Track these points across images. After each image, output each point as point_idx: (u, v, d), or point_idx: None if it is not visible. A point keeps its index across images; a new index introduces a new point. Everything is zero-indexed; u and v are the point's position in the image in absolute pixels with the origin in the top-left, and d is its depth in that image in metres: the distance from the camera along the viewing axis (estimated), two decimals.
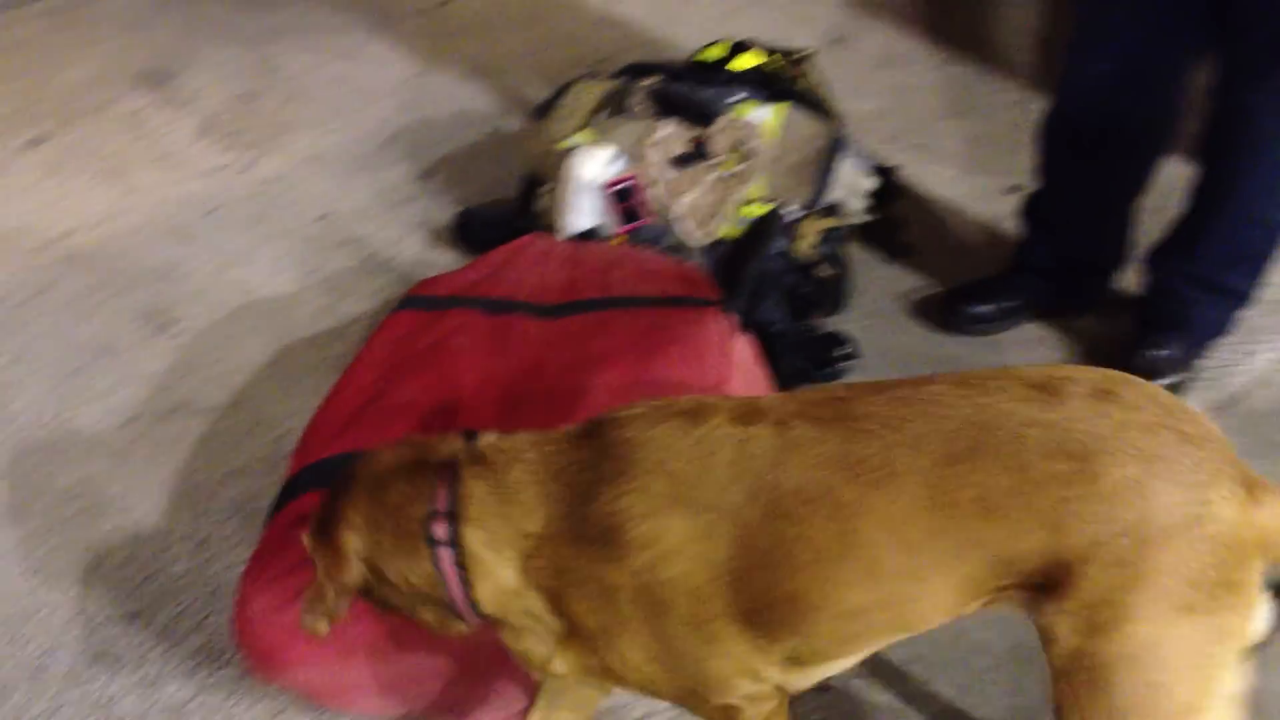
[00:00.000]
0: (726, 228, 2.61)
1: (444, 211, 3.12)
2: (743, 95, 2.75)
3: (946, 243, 2.98)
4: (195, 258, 3.03)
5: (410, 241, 3.06)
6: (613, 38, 3.80)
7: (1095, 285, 2.73)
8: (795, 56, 3.07)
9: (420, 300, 2.30)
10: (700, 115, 2.73)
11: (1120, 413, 1.38)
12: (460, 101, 3.58)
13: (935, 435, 1.39)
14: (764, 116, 2.70)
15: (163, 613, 2.20)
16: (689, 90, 2.76)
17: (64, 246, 3.08)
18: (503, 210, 2.98)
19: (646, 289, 2.24)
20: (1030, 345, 2.68)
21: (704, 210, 2.62)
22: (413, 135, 3.44)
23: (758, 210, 2.63)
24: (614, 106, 2.81)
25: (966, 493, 1.37)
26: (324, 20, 4.01)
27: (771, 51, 3.07)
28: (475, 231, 2.96)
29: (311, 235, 3.10)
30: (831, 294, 2.73)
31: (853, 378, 2.60)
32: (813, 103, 2.83)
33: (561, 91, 2.90)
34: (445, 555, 1.50)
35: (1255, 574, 1.38)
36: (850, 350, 2.62)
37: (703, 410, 1.49)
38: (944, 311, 2.75)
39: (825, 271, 2.69)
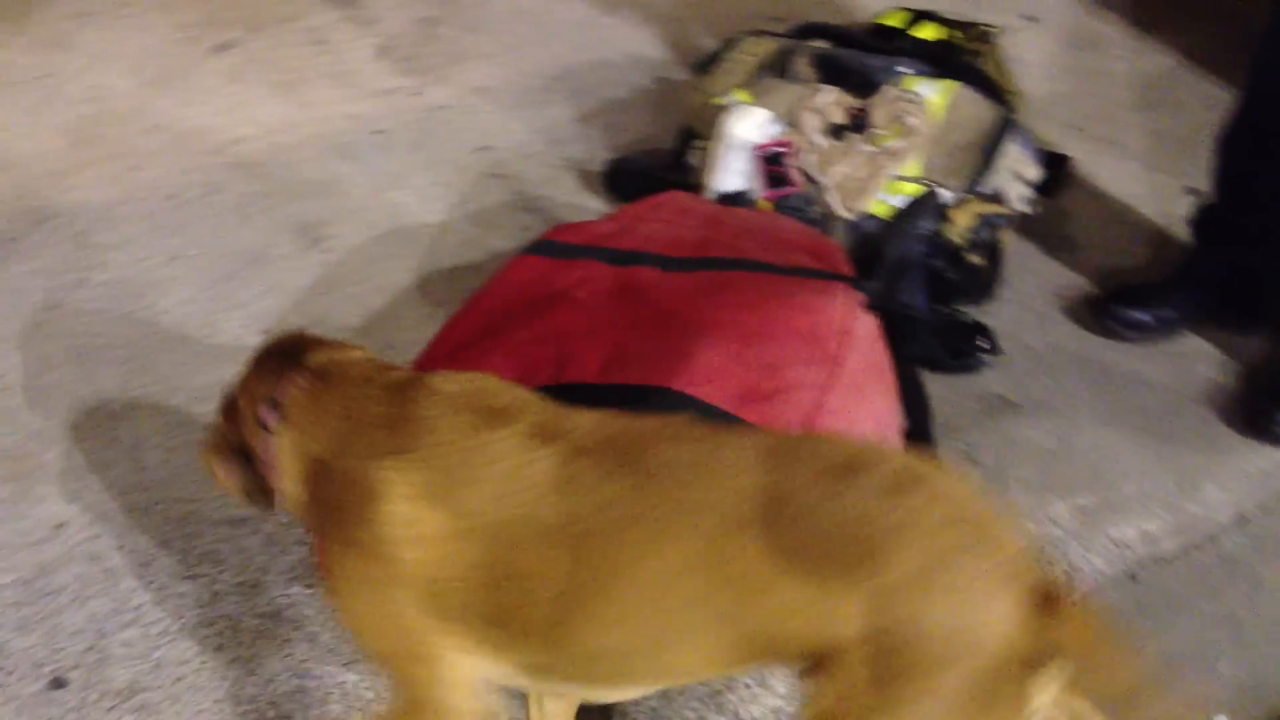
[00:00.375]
0: (875, 203, 2.53)
1: (598, 156, 3.11)
2: (911, 68, 2.66)
3: (1113, 241, 2.85)
4: (356, 176, 3.09)
5: (562, 182, 3.06)
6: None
7: (1268, 306, 2.57)
8: (977, 32, 2.95)
9: (550, 247, 2.28)
10: (864, 84, 2.65)
11: (917, 505, 1.31)
12: (633, 46, 3.56)
13: (725, 500, 1.33)
14: (931, 92, 2.60)
15: (271, 522, 2.26)
16: (855, 58, 2.69)
17: (235, 152, 3.17)
18: (654, 161, 2.95)
19: (776, 256, 2.17)
20: (1185, 360, 2.55)
21: (854, 184, 2.55)
22: (580, 76, 3.43)
23: (910, 189, 2.54)
24: (778, 67, 2.74)
25: (739, 566, 1.31)
26: None
27: (953, 24, 2.96)
28: (624, 180, 2.94)
29: (468, 166, 3.12)
30: (980, 282, 2.64)
31: (992, 373, 2.53)
32: (986, 82, 2.71)
33: (726, 46, 2.85)
34: (268, 441, 1.55)
35: (1030, 687, 1.28)
36: (989, 344, 2.53)
37: (505, 414, 1.45)
38: (1098, 313, 2.63)
39: (975, 259, 2.59)
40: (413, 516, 1.41)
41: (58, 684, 2.00)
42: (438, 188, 3.05)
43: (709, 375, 1.84)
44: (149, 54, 3.50)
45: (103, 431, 2.42)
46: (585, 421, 1.45)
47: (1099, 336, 2.60)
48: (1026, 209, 2.65)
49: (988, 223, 2.59)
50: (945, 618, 1.26)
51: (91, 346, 2.61)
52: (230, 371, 1.69)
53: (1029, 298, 2.70)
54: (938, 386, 2.49)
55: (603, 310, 2.05)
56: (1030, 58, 3.32)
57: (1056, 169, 2.86)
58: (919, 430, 2.20)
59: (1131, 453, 2.37)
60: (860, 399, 1.92)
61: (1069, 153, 2.90)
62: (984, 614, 1.27)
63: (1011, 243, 2.73)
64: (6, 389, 2.51)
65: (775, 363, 1.88)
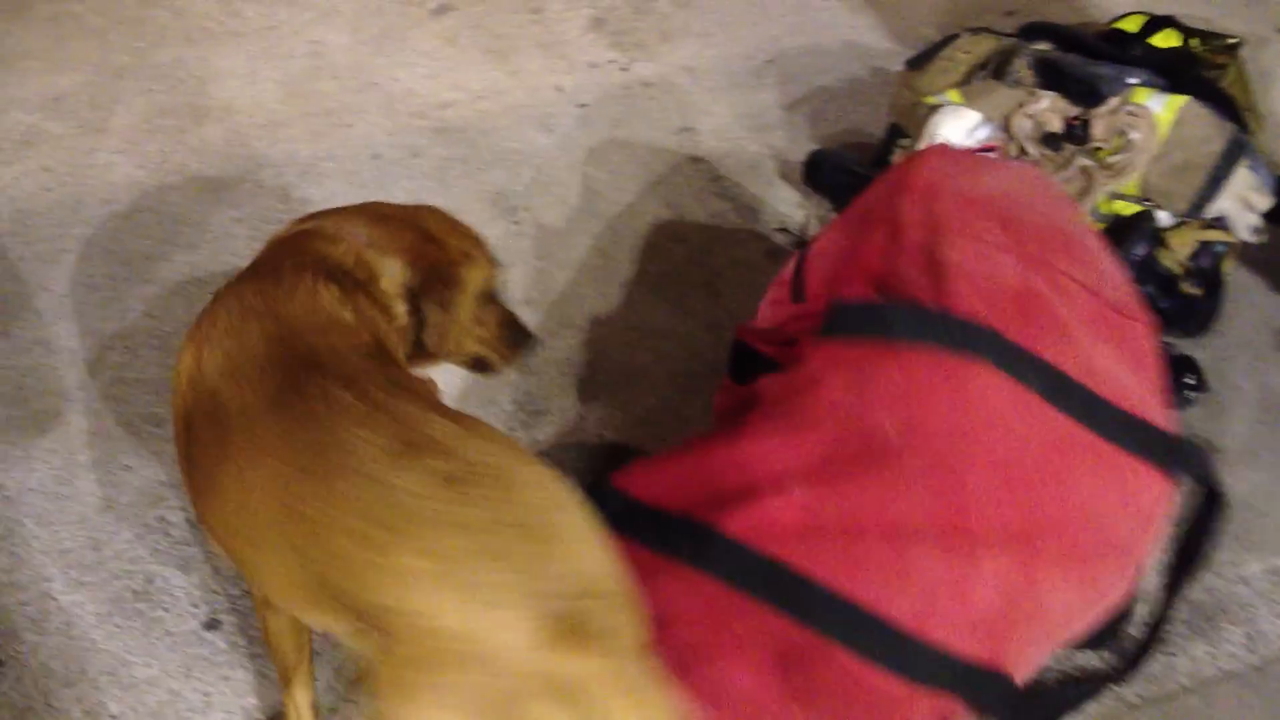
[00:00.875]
0: (1090, 221, 2.37)
1: (801, 146, 3.01)
2: (1140, 78, 2.47)
3: None
4: (554, 148, 3.08)
5: (761, 171, 2.98)
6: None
7: None
8: (1221, 44, 2.73)
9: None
10: (1086, 93, 2.47)
11: (473, 498, 1.32)
12: (852, 32, 3.44)
13: (332, 445, 1.40)
14: (1158, 106, 2.41)
15: None
16: (1079, 63, 2.51)
17: (440, 116, 3.19)
18: (856, 157, 2.84)
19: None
20: None
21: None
22: (792, 60, 3.33)
23: (1125, 209, 2.37)
24: (996, 68, 2.58)
25: (303, 507, 1.38)
26: None
27: (1195, 33, 2.75)
28: (824, 174, 2.83)
29: (667, 146, 3.07)
30: (1195, 314, 2.45)
31: (1196, 412, 2.35)
32: (1221, 99, 2.50)
33: (944, 43, 2.70)
34: None
35: (534, 712, 1.24)
36: (1197, 380, 2.35)
37: (270, 314, 1.61)
38: None
39: (1191, 288, 2.40)
40: (186, 363, 1.61)
41: (212, 625, 2.05)
42: (634, 166, 3.01)
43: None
44: (370, 12, 3.56)
45: None
46: (317, 342, 1.57)
47: None
48: (1253, 239, 2.44)
49: (1208, 250, 2.40)
50: (453, 617, 1.26)
51: None
52: None
53: (1248, 335, 2.49)
54: None
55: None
56: (1279, 75, 3.06)
57: None
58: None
59: None
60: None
61: None
62: (488, 623, 1.26)
63: (1235, 274, 2.52)
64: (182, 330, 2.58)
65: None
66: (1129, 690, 1.94)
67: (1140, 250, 2.32)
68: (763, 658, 1.54)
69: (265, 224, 2.83)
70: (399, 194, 2.94)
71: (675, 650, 1.51)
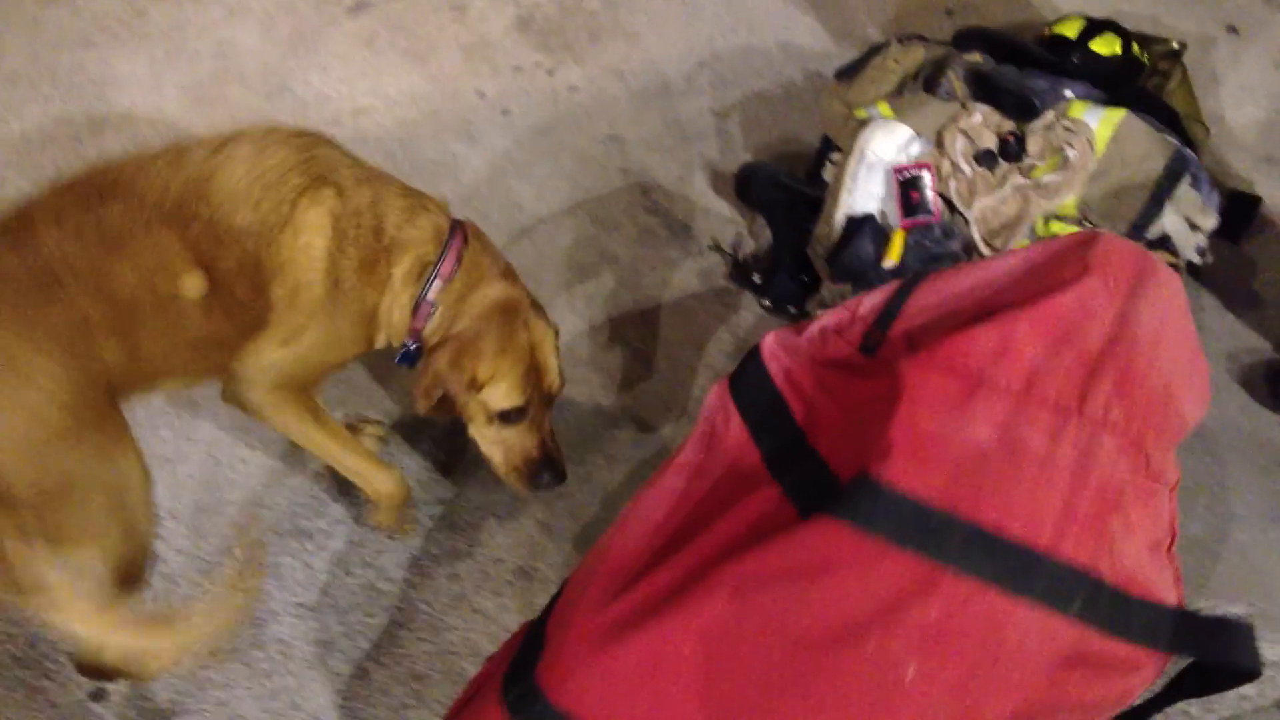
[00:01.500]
0: (1021, 242, 2.27)
1: (734, 156, 2.89)
2: (1077, 91, 2.36)
3: None
4: (475, 159, 2.93)
5: (692, 183, 2.85)
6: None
7: None
8: (1163, 49, 2.64)
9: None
10: (1021, 106, 2.36)
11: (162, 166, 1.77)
12: (787, 32, 3.31)
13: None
14: (1095, 121, 2.30)
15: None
16: (1014, 76, 2.40)
17: (356, 125, 3.04)
18: (787, 171, 2.72)
19: None
20: None
21: (999, 219, 2.29)
22: (726, 62, 3.20)
23: (1063, 229, 2.26)
24: (927, 79, 2.47)
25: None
26: None
27: (1137, 38, 2.65)
28: (755, 188, 2.71)
29: (594, 156, 2.93)
30: None
31: None
32: (1163, 111, 2.40)
33: (873, 52, 2.58)
34: None
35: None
36: None
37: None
38: (1274, 384, 2.32)
39: None
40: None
41: (98, 696, 1.92)
42: (559, 179, 2.87)
43: None
44: (283, 9, 3.39)
45: (182, 424, 2.34)
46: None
47: (1274, 412, 2.29)
48: (1198, 259, 2.34)
49: None
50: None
51: None
52: None
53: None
54: None
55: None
56: (1228, 76, 2.96)
57: (1244, 211, 2.55)
58: None
59: None
60: None
61: (1261, 193, 2.57)
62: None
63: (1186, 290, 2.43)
64: None
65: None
66: None
67: None
68: None
69: None
70: None
71: None
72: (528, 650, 1.51)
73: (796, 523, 1.36)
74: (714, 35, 3.31)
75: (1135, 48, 2.61)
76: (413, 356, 1.97)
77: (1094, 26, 2.67)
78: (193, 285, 1.74)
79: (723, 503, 1.51)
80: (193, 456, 2.24)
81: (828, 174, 2.54)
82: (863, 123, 2.44)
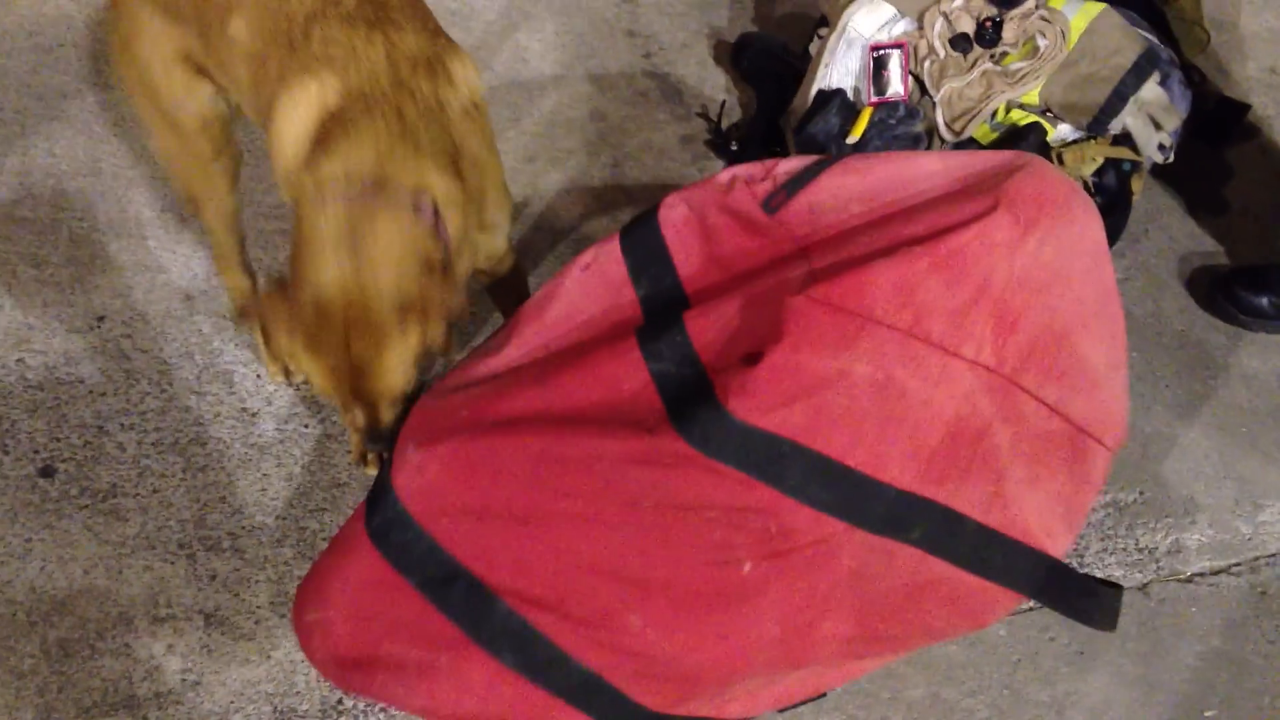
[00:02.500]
0: (981, 129, 2.30)
1: (740, 27, 2.93)
2: None
3: (1274, 210, 2.51)
4: (489, 9, 3.01)
5: (694, 50, 2.91)
6: None
7: None
8: None
9: None
10: None
11: None
12: None
13: None
14: (1073, 13, 2.31)
15: None
16: None
17: None
18: (782, 43, 2.76)
19: None
20: None
21: (963, 103, 2.31)
22: None
23: (1022, 119, 2.29)
24: None
25: None
26: None
27: None
28: (750, 58, 2.76)
29: (607, 18, 2.99)
30: None
31: None
32: (1149, 9, 2.39)
33: None
34: None
35: None
36: None
37: None
38: (1216, 290, 2.34)
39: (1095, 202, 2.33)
40: None
41: (47, 472, 2.09)
42: (568, 36, 2.94)
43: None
44: None
45: (168, 234, 2.48)
46: None
47: (1211, 315, 2.32)
48: (1159, 158, 2.35)
49: (1114, 168, 2.33)
50: None
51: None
52: None
53: (1149, 258, 2.43)
54: None
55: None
56: None
57: (1232, 117, 2.54)
58: None
59: (1198, 452, 2.14)
60: None
61: (1257, 102, 2.56)
62: None
63: (1152, 194, 2.45)
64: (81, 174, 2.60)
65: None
66: None
67: None
68: None
69: None
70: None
71: None
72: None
73: (657, 419, 1.47)
74: None
75: None
76: None
77: None
78: None
79: (596, 339, 1.62)
80: None
81: (813, 47, 2.58)
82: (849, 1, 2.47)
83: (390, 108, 1.59)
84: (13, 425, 2.14)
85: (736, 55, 2.79)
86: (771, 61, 2.69)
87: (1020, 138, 2.27)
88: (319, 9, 1.66)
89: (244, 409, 2.21)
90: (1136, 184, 2.38)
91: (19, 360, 2.23)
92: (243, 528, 2.05)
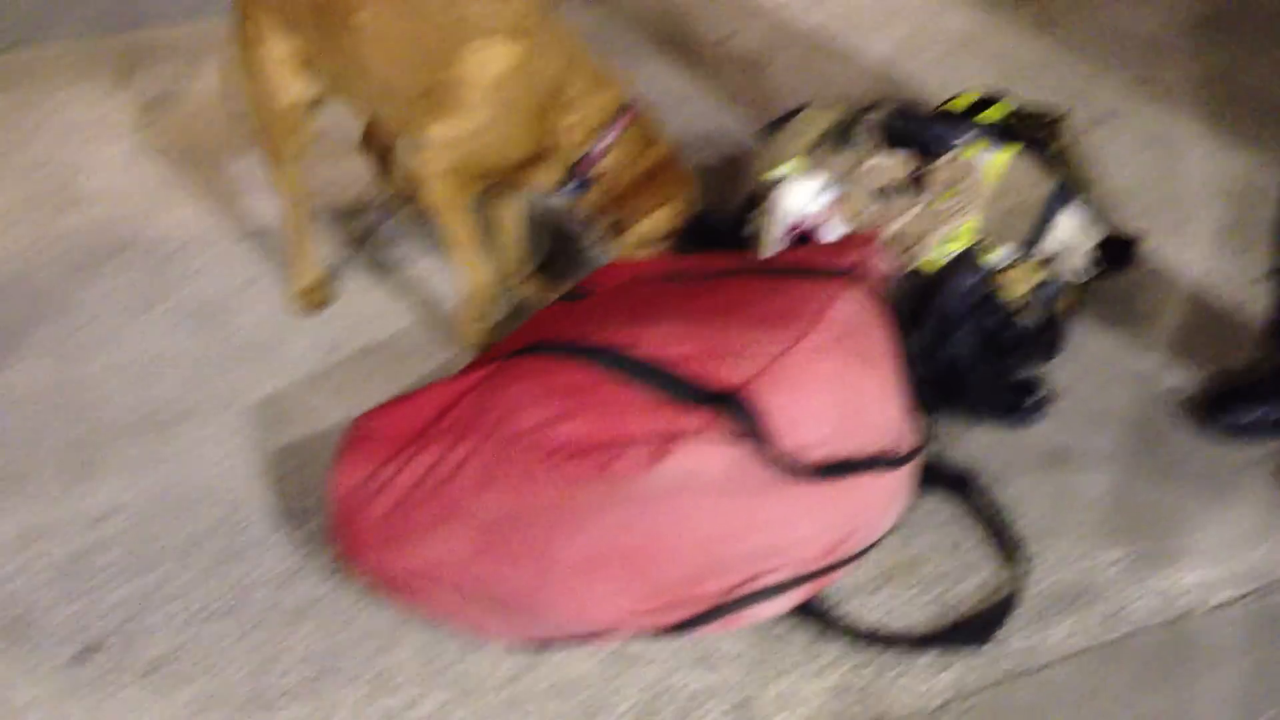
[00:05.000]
0: (927, 259, 2.55)
1: None
2: (974, 134, 2.70)
3: (1182, 320, 2.83)
4: None
5: None
6: (879, 91, 3.77)
7: None
8: (1049, 118, 2.97)
9: None
10: (925, 150, 2.68)
11: None
12: (716, 123, 3.61)
13: None
14: (990, 158, 2.63)
15: (313, 521, 2.29)
16: (918, 122, 2.73)
17: None
18: (723, 222, 2.98)
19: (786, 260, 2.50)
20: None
21: (906, 239, 2.57)
22: None
23: (960, 246, 2.56)
24: (840, 134, 2.78)
25: None
26: (619, 36, 4.12)
27: (1021, 111, 2.98)
28: (693, 236, 2.96)
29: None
30: (1039, 345, 2.63)
31: (1048, 427, 2.55)
32: (1051, 157, 2.73)
33: (792, 114, 2.90)
34: None
35: None
36: (1042, 396, 2.54)
37: None
38: (1206, 417, 2.57)
39: (1033, 320, 2.58)
40: None
41: (89, 649, 2.04)
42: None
43: (662, 341, 2.07)
44: None
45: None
46: None
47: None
48: (1084, 278, 2.66)
49: (1046, 288, 2.59)
50: None
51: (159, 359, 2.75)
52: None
53: (1094, 361, 2.68)
54: (990, 438, 2.49)
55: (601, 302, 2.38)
56: (1106, 151, 3.34)
57: (1126, 248, 2.87)
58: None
59: (1189, 508, 2.35)
60: (823, 365, 2.05)
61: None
62: None
63: (1078, 313, 2.72)
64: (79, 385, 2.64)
65: (735, 334, 2.08)
66: (1001, 665, 2.03)
67: (969, 279, 2.51)
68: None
69: (134, 297, 2.92)
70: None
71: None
72: None
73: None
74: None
75: (1023, 114, 2.94)
76: (578, 189, 2.61)
77: (983, 102, 3.00)
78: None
79: None
80: None
81: (750, 229, 2.81)
82: (776, 180, 2.74)
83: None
84: (49, 612, 2.10)
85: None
86: (717, 239, 2.88)
87: (959, 260, 2.52)
88: None
89: (278, 575, 2.21)
90: (1063, 302, 2.65)
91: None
92: (305, 680, 2.02)
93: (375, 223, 3.14)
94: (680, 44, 4.09)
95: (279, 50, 2.59)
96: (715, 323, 2.13)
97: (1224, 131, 3.50)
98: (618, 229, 2.64)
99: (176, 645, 2.07)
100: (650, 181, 2.59)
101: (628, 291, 2.38)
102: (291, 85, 2.62)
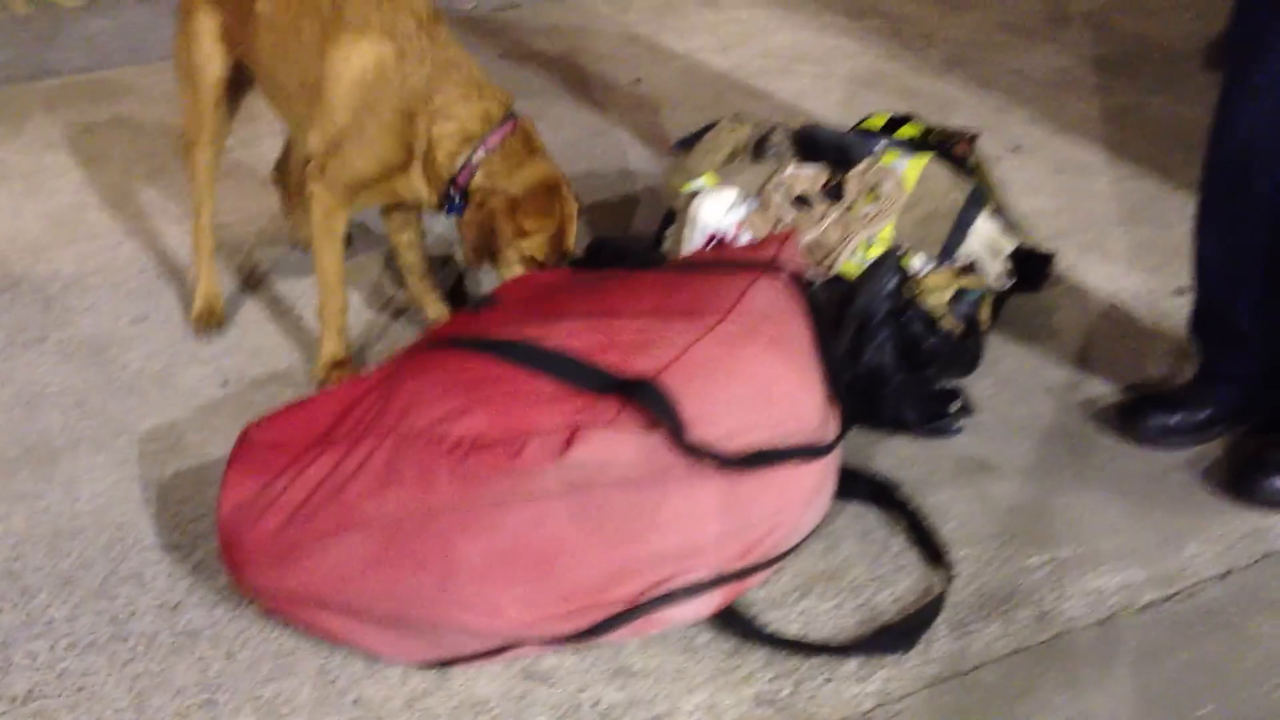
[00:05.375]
0: (846, 265, 2.51)
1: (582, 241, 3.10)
2: (888, 143, 2.68)
3: (1095, 332, 2.81)
4: None
5: None
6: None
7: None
8: (960, 136, 2.97)
9: None
10: (840, 160, 2.66)
11: None
12: (627, 161, 3.61)
13: None
14: (904, 164, 2.61)
15: (201, 549, 2.16)
16: (832, 133, 2.71)
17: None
18: (634, 244, 2.94)
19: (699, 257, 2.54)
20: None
21: (825, 246, 2.53)
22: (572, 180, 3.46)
23: (877, 253, 2.52)
24: (755, 147, 2.75)
25: None
26: (529, 78, 4.11)
27: (934, 130, 2.99)
28: (603, 260, 2.91)
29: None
30: (960, 354, 2.58)
31: (968, 438, 2.49)
32: (962, 166, 2.72)
33: (706, 130, 2.87)
34: None
35: None
36: (961, 407, 2.49)
37: None
38: (1128, 423, 2.52)
39: (953, 328, 2.54)
40: None
41: None
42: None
43: (573, 333, 2.00)
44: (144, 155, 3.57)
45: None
46: None
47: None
48: (1002, 284, 2.62)
49: (965, 295, 2.55)
50: None
51: (43, 393, 2.61)
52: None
53: (1011, 374, 2.65)
54: (910, 448, 2.44)
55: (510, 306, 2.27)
56: (1018, 178, 3.36)
57: (1040, 265, 2.85)
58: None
59: (1112, 512, 2.29)
60: (737, 352, 1.98)
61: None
62: None
63: (995, 326, 2.68)
64: None
65: (648, 324, 2.01)
66: (929, 670, 1.95)
67: (890, 282, 2.46)
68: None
69: (23, 332, 2.80)
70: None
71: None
72: None
73: None
74: (561, 161, 3.59)
75: (935, 131, 2.94)
76: (459, 207, 2.43)
77: (896, 121, 3.00)
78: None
79: None
80: None
81: (668, 245, 2.76)
82: (692, 195, 2.69)
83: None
84: None
85: (590, 260, 2.94)
86: (627, 260, 2.83)
87: (878, 264, 2.48)
88: None
89: (162, 604, 2.07)
90: (984, 310, 2.61)
91: None
92: (188, 706, 1.88)
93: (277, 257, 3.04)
94: (593, 86, 4.10)
95: (208, 24, 2.64)
96: (628, 314, 2.05)
97: (1129, 160, 3.55)
98: (492, 248, 2.44)
99: (50, 678, 1.91)
100: (531, 198, 2.42)
101: (539, 295, 2.27)
102: (216, 60, 2.66)
